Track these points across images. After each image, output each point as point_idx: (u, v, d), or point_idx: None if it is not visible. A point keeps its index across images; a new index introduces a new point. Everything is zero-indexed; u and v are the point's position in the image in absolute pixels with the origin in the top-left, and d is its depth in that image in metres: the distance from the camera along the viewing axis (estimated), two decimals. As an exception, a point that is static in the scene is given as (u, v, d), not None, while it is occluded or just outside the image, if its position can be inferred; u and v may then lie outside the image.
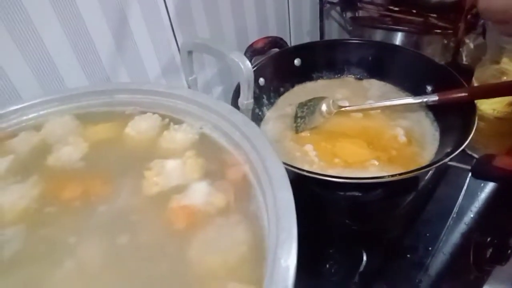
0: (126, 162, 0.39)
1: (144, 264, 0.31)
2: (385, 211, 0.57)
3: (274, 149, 0.32)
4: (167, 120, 0.42)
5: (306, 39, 0.91)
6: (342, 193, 0.56)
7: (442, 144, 0.57)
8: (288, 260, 0.25)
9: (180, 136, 0.40)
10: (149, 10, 0.56)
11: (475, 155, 0.59)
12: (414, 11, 0.77)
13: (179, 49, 0.63)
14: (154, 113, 0.43)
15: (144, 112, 0.43)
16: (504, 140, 0.64)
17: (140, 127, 0.42)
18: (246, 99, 0.37)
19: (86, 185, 0.37)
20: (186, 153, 0.39)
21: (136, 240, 0.33)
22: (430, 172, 0.59)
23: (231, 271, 0.29)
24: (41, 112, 0.45)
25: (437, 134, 0.60)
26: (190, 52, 0.40)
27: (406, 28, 0.80)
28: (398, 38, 0.83)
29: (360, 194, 0.57)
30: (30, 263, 0.31)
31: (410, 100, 0.59)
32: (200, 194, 0.34)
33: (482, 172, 0.44)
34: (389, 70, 0.70)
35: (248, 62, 0.35)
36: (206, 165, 0.37)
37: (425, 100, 0.56)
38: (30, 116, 0.45)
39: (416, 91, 0.65)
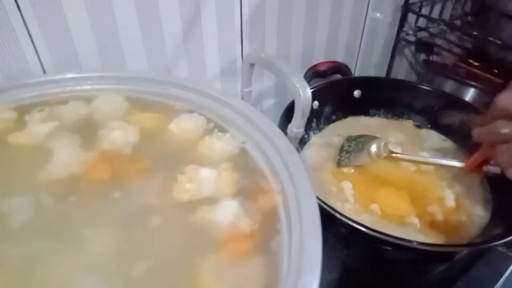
0: (162, 159, 0.38)
1: (151, 273, 0.29)
2: (412, 275, 0.53)
3: (313, 189, 0.30)
4: (212, 124, 0.41)
5: (372, 72, 0.87)
6: (369, 241, 0.53)
7: (492, 220, 0.52)
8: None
9: (220, 145, 0.39)
10: (224, 8, 0.56)
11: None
12: (496, 70, 0.72)
13: (242, 55, 0.62)
14: (201, 114, 0.42)
15: (192, 112, 0.43)
16: None
17: (185, 125, 0.41)
18: (297, 127, 0.35)
19: (120, 170, 0.37)
20: (222, 165, 0.37)
21: (150, 239, 0.32)
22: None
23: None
24: (96, 86, 0.46)
25: (489, 208, 0.54)
26: (252, 65, 0.39)
27: (481, 86, 0.75)
28: (469, 95, 0.78)
29: (389, 249, 0.53)
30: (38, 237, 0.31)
31: (469, 165, 0.54)
32: (228, 212, 0.33)
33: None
34: (453, 126, 0.66)
35: (308, 90, 0.33)
36: (240, 182, 0.36)
37: (486, 170, 0.52)
38: (84, 87, 0.45)
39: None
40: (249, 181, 0.36)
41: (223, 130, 0.41)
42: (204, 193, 0.35)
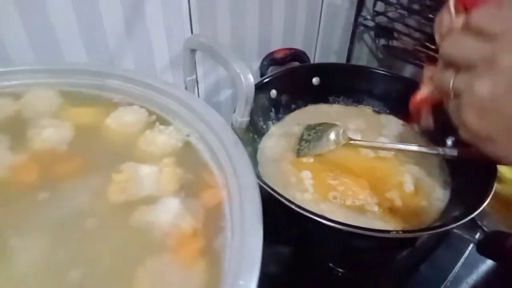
0: (97, 157, 0.35)
1: (85, 281, 0.26)
2: (375, 263, 0.52)
3: (256, 183, 0.28)
4: (154, 117, 0.39)
5: (332, 59, 0.86)
6: (329, 232, 0.52)
7: (451, 203, 0.52)
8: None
9: (162, 139, 0.36)
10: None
11: (482, 224, 0.54)
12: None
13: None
14: (141, 106, 0.39)
15: (132, 104, 0.40)
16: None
17: (123, 119, 0.38)
18: (241, 116, 0.33)
19: (51, 171, 0.33)
20: (164, 160, 0.35)
21: (84, 245, 0.29)
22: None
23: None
24: (26, 81, 0.41)
25: (448, 191, 0.54)
26: (193, 51, 0.36)
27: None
28: (429, 78, 0.78)
29: (349, 238, 0.52)
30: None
31: (425, 149, 0.54)
32: (168, 212, 0.30)
33: (489, 250, 0.39)
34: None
35: (250, 76, 0.31)
36: (183, 178, 0.33)
37: (442, 153, 0.51)
38: (13, 82, 0.41)
39: (436, 140, 0.60)
40: (193, 177, 0.33)
41: (166, 123, 0.38)
42: (144, 192, 0.32)
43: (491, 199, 0.44)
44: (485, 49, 0.26)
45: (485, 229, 0.45)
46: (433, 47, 0.77)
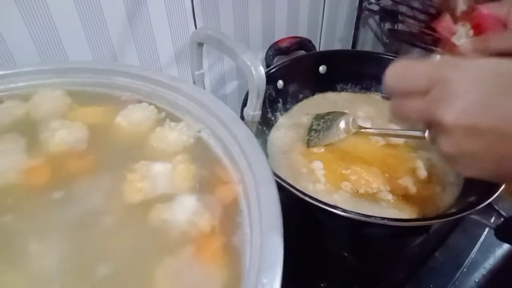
0: (110, 157, 0.35)
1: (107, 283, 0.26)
2: (390, 250, 0.52)
3: (273, 178, 0.27)
4: (163, 114, 0.38)
5: (337, 46, 0.85)
6: (344, 222, 0.51)
7: (465, 188, 0.51)
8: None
9: (173, 136, 0.36)
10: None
11: (498, 208, 0.53)
12: (460, 34, 0.70)
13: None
14: (150, 104, 0.39)
15: (141, 101, 0.39)
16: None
17: (133, 117, 0.37)
18: (253, 109, 0.32)
19: (64, 173, 0.33)
20: (177, 157, 0.34)
21: (101, 248, 0.29)
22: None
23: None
24: (32, 82, 0.41)
25: (461, 176, 0.53)
26: (200, 44, 0.35)
27: (448, 52, 0.74)
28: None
29: (364, 228, 0.51)
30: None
31: (438, 134, 0.53)
32: (185, 210, 0.30)
33: (508, 234, 0.38)
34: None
35: (261, 68, 0.30)
36: (198, 175, 0.33)
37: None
38: (20, 84, 0.41)
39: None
40: (207, 173, 0.33)
41: (176, 119, 0.37)
42: (159, 190, 0.32)
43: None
44: (423, 110, 0.26)
45: (502, 213, 0.45)
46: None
